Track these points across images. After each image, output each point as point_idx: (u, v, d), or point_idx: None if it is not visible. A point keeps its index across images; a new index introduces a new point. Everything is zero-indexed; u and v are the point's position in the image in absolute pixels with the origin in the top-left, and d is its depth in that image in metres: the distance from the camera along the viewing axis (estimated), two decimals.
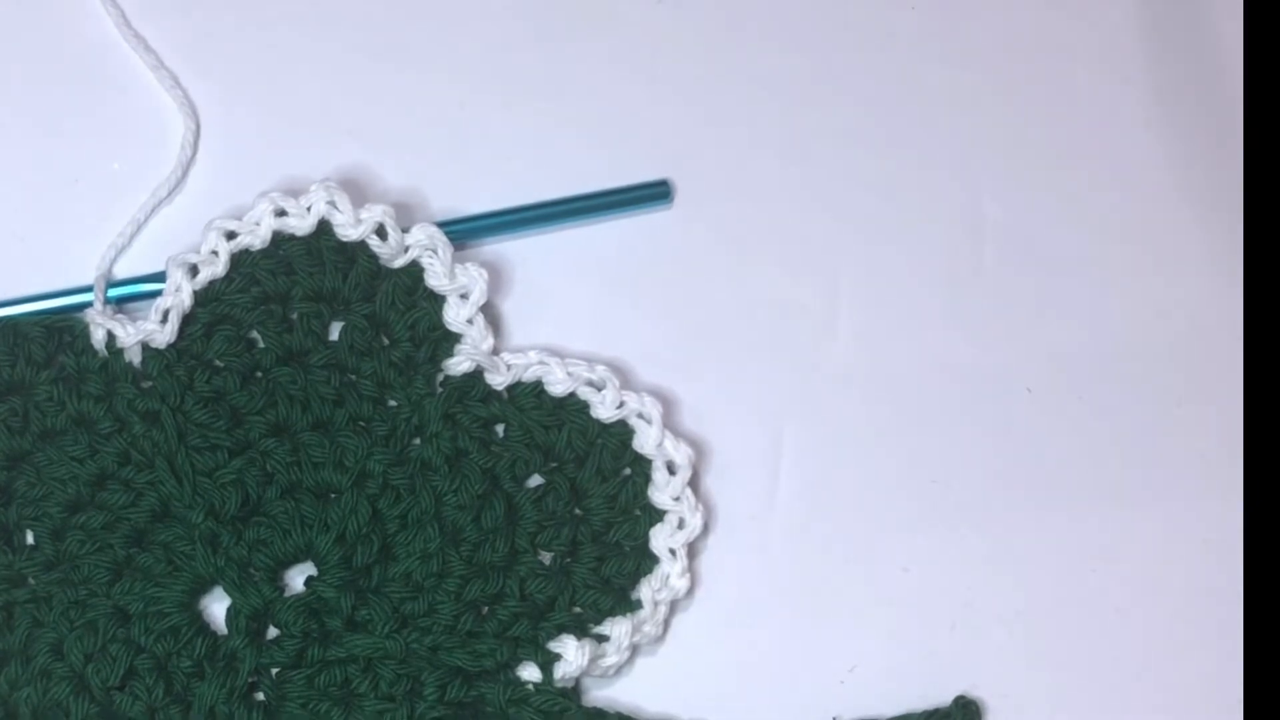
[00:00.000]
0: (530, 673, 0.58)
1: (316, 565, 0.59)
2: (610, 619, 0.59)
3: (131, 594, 0.58)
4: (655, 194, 0.65)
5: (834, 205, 0.66)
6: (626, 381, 0.61)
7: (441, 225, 0.62)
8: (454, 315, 0.61)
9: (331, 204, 0.61)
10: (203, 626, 0.58)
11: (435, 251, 0.61)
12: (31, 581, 0.58)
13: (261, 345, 0.60)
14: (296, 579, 0.60)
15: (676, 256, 0.65)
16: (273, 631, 0.59)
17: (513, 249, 0.64)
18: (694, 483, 0.60)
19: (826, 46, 0.68)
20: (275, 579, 0.59)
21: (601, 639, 0.59)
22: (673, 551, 0.59)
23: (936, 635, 0.61)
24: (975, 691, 0.60)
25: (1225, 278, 0.66)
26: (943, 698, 0.59)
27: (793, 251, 0.65)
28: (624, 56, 0.67)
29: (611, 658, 0.59)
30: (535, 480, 0.60)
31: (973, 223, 0.66)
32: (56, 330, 0.60)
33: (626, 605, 0.59)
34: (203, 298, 0.60)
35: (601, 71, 0.67)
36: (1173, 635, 0.62)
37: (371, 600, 0.58)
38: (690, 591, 0.60)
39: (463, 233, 0.63)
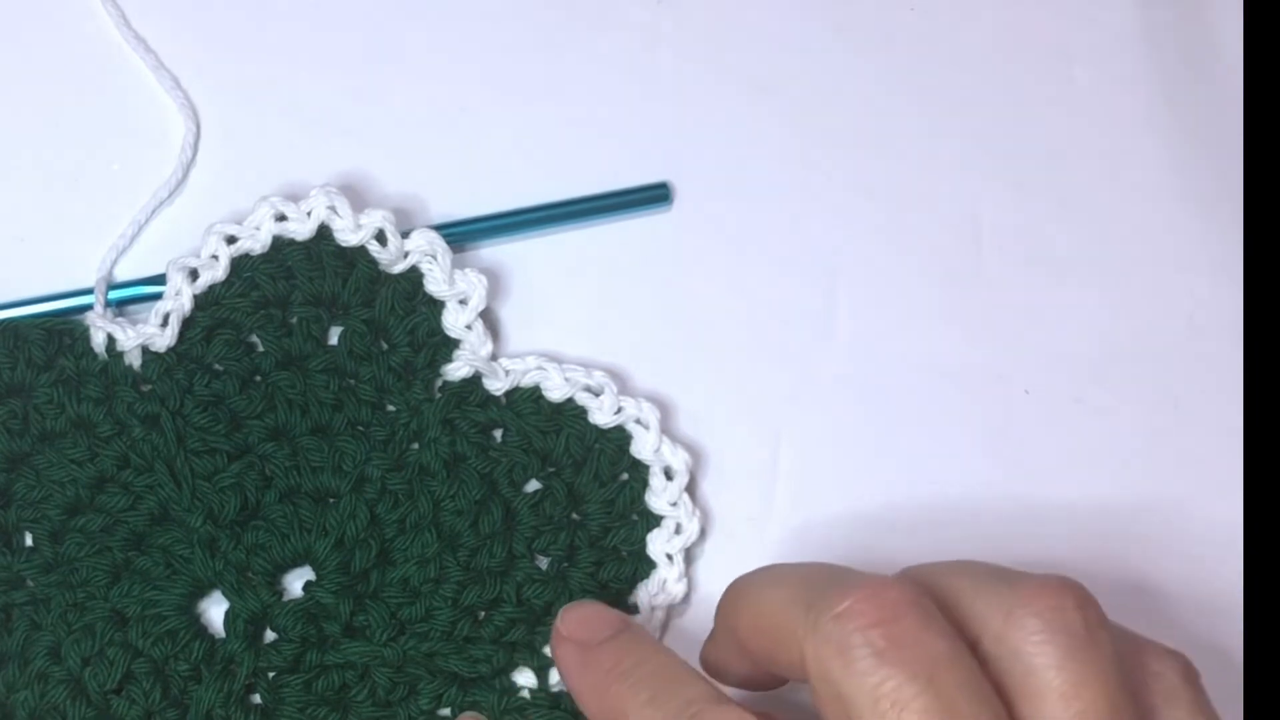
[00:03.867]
0: (526, 678, 0.58)
1: (315, 570, 0.59)
2: None
3: (130, 597, 0.58)
4: (655, 196, 0.64)
5: (833, 206, 0.66)
6: (624, 386, 0.62)
7: (439, 228, 0.62)
8: (453, 321, 0.60)
9: (331, 209, 0.61)
10: (200, 630, 0.58)
11: (435, 257, 0.61)
12: (30, 584, 0.59)
13: (261, 349, 0.60)
14: (295, 583, 0.60)
15: (676, 259, 0.65)
16: (270, 636, 0.59)
17: (511, 252, 0.64)
18: (691, 487, 0.60)
19: (826, 47, 0.67)
20: (273, 583, 0.59)
21: None
22: (670, 556, 0.59)
23: None
24: None
25: (1225, 278, 0.65)
26: None
27: (792, 253, 0.65)
28: (624, 57, 0.67)
29: None
30: (533, 485, 0.60)
31: (972, 223, 0.66)
32: (57, 333, 0.60)
33: (623, 610, 0.59)
34: (203, 301, 0.60)
35: (601, 72, 0.66)
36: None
37: (369, 606, 0.58)
38: (687, 596, 0.60)
39: (461, 236, 0.63)
